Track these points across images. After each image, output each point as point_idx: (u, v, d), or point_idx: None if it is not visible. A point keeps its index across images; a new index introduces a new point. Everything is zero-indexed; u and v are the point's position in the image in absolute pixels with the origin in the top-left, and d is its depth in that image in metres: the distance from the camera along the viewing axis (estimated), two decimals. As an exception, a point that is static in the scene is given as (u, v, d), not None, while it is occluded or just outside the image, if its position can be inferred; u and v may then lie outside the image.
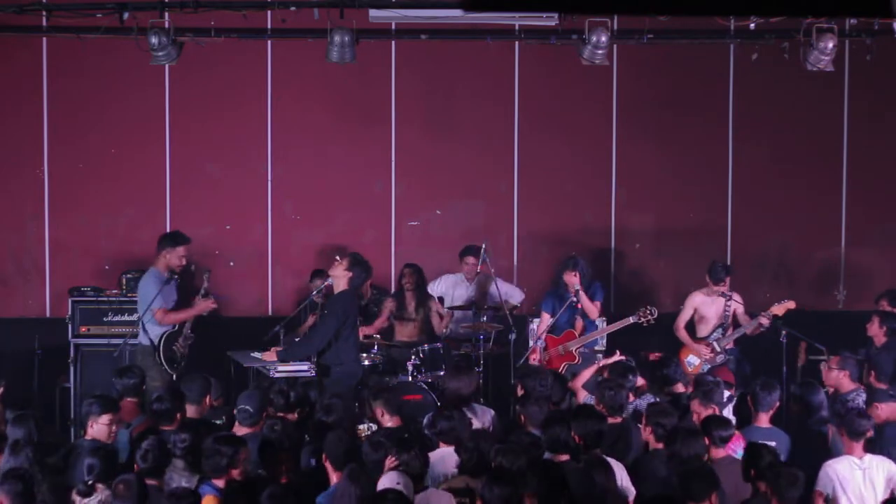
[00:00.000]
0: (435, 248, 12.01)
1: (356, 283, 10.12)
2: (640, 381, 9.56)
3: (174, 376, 10.24)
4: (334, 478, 7.34)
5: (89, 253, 12.10)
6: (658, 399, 8.95)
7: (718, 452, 7.75)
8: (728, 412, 8.95)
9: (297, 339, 10.61)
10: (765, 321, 10.70)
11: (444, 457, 7.70)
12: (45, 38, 11.68)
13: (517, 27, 11.36)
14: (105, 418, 7.93)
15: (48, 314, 12.07)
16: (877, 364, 9.46)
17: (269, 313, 12.21)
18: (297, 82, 12.25)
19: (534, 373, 9.25)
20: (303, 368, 9.95)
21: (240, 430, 8.14)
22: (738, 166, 12.74)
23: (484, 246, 11.38)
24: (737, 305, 11.00)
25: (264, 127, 12.29)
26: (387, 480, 7.09)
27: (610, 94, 12.56)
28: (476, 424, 8.50)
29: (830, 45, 10.17)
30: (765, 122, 12.73)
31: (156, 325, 10.31)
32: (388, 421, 8.40)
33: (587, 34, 10.22)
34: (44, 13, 10.30)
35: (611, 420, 8.46)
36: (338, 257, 10.21)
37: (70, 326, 11.11)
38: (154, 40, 10.04)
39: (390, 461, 7.23)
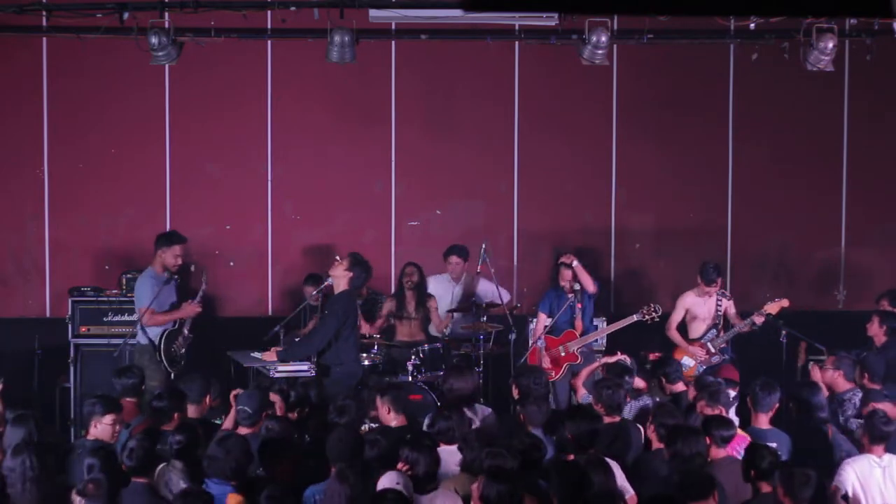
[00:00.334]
0: (435, 248, 12.00)
1: (356, 283, 10.13)
2: (641, 384, 9.56)
3: (173, 375, 10.24)
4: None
5: (89, 253, 12.10)
6: (656, 400, 8.95)
7: (719, 452, 7.75)
8: (731, 412, 8.94)
9: (297, 339, 10.61)
10: (758, 319, 10.70)
11: (445, 456, 7.70)
12: (45, 38, 11.68)
13: (517, 27, 11.36)
14: (109, 418, 7.95)
15: (48, 314, 12.07)
16: (868, 366, 9.43)
17: (269, 313, 12.21)
18: (297, 82, 12.25)
19: (528, 372, 9.26)
20: (303, 368, 9.95)
21: (240, 430, 8.13)
22: (738, 166, 12.75)
23: (484, 246, 11.38)
24: (728, 304, 11.00)
25: (264, 127, 12.29)
26: (387, 480, 7.08)
27: (610, 94, 12.56)
28: (477, 425, 8.50)
29: (830, 45, 10.17)
30: (765, 122, 12.73)
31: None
32: (394, 420, 8.40)
33: (587, 34, 10.22)
34: (44, 13, 10.30)
35: (608, 419, 8.47)
36: (338, 257, 10.21)
37: (70, 326, 11.11)
38: (154, 40, 10.04)
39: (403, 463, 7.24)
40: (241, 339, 10.98)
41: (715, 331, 10.97)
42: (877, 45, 10.51)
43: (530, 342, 11.27)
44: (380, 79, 12.31)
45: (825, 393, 9.10)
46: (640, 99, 12.60)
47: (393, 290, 11.76)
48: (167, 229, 11.43)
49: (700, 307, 11.06)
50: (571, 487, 6.76)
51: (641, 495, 7.52)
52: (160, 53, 10.16)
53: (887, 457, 7.77)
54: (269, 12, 10.81)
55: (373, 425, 8.63)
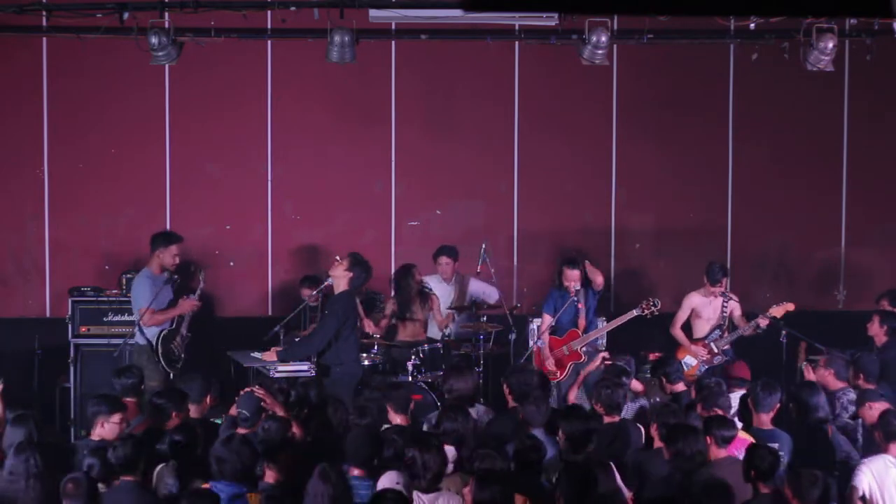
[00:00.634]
0: (435, 248, 11.99)
1: (356, 283, 10.13)
2: (639, 387, 9.55)
3: (172, 375, 10.24)
4: (353, 472, 7.34)
5: (89, 253, 12.09)
6: (655, 400, 8.95)
7: (720, 452, 7.74)
8: (732, 413, 8.93)
9: (297, 339, 10.61)
10: (763, 322, 10.69)
11: (451, 457, 7.68)
12: (45, 38, 11.68)
13: (517, 27, 11.36)
14: (117, 417, 7.98)
15: (48, 314, 12.07)
16: (863, 366, 9.42)
17: (269, 313, 12.21)
18: (297, 82, 12.25)
19: (518, 371, 9.27)
20: (303, 368, 9.95)
21: (238, 431, 8.13)
22: (738, 166, 12.75)
23: (484, 246, 11.38)
24: (734, 306, 11.00)
25: (264, 127, 12.29)
26: (387, 480, 7.09)
27: (610, 94, 12.56)
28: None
29: (830, 45, 10.17)
30: (765, 122, 12.73)
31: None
32: (397, 419, 8.40)
33: (587, 34, 10.22)
34: (44, 13, 10.30)
35: (608, 419, 8.48)
36: (338, 257, 10.21)
37: (70, 326, 11.10)
38: (154, 40, 10.04)
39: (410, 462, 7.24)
40: (241, 339, 10.98)
41: (719, 331, 10.96)
42: (877, 45, 10.51)
43: (531, 342, 11.28)
44: (380, 79, 12.32)
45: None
46: (640, 99, 12.60)
47: (392, 290, 11.74)
48: (171, 230, 11.40)
49: (705, 307, 11.05)
50: (578, 487, 6.76)
51: (642, 495, 7.52)
52: (160, 53, 10.16)
53: None
54: (269, 12, 10.81)
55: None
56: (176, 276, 10.57)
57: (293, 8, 10.04)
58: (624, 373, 9.23)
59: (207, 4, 9.93)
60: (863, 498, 7.62)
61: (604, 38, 10.20)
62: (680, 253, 12.60)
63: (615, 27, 10.79)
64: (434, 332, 11.52)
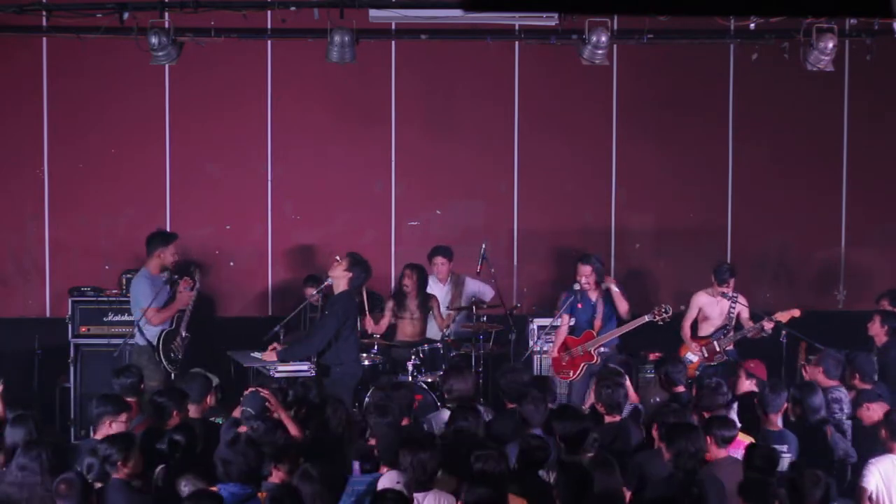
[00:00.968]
0: (435, 248, 11.98)
1: (356, 283, 10.13)
2: (634, 398, 9.53)
3: (173, 375, 10.23)
4: (383, 471, 7.35)
5: (89, 253, 12.09)
6: (651, 402, 8.95)
7: (720, 452, 7.74)
8: (732, 413, 8.91)
9: (297, 339, 10.61)
10: (768, 326, 10.67)
11: None
12: (45, 38, 11.68)
13: (517, 27, 11.35)
14: (123, 417, 8.01)
15: (48, 314, 12.07)
16: (859, 366, 9.41)
17: (269, 313, 12.21)
18: (297, 82, 12.25)
19: (509, 372, 9.28)
20: (303, 368, 9.95)
21: (241, 430, 8.13)
22: (738, 166, 12.75)
23: (484, 246, 11.38)
24: (741, 308, 10.98)
25: (264, 127, 12.29)
26: (387, 480, 7.09)
27: (610, 94, 12.56)
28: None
29: (830, 45, 10.17)
30: (765, 122, 12.73)
31: (150, 325, 10.28)
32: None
33: (587, 34, 10.22)
34: (44, 13, 10.29)
35: (609, 419, 8.48)
36: (337, 257, 10.21)
37: (70, 326, 11.09)
38: (154, 40, 10.04)
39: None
40: (241, 339, 10.98)
41: (724, 332, 10.94)
42: (877, 45, 10.51)
43: (531, 342, 11.31)
44: (380, 79, 12.31)
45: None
46: (640, 99, 12.60)
47: (393, 290, 11.75)
48: (166, 229, 11.40)
49: (712, 307, 11.04)
50: (575, 488, 6.75)
51: (642, 495, 7.51)
52: (160, 53, 10.16)
53: None
54: (269, 12, 10.81)
55: None
56: (176, 276, 10.56)
57: (293, 8, 10.04)
58: (620, 374, 9.24)
59: (207, 4, 9.93)
60: (870, 497, 7.62)
61: (604, 38, 10.20)
62: (680, 253, 12.60)
63: (615, 27, 10.79)
64: (434, 332, 11.52)
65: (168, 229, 11.17)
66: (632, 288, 12.58)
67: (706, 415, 8.34)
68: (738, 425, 8.33)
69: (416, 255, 11.83)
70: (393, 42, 12.11)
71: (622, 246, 12.74)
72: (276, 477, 7.25)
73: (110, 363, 10.22)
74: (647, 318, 10.65)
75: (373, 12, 10.47)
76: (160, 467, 7.49)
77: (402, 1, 10.34)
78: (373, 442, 7.83)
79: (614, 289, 10.88)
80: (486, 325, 11.13)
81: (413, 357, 10.73)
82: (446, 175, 12.53)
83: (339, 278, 10.06)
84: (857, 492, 7.68)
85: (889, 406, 8.56)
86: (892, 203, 12.77)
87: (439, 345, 11.06)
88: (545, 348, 11.36)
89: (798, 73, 10.68)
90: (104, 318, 11.10)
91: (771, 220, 12.77)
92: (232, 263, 12.31)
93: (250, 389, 8.53)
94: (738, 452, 7.88)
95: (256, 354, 10.37)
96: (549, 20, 10.68)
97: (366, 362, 10.53)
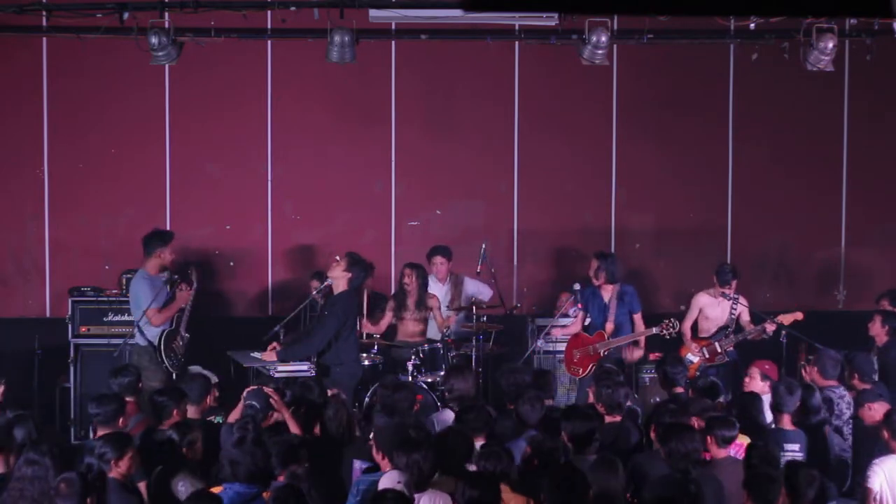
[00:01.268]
0: (435, 248, 11.98)
1: (355, 283, 10.14)
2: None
3: (174, 375, 10.23)
4: (387, 467, 7.35)
5: (89, 253, 12.09)
6: (651, 401, 8.95)
7: (720, 452, 7.74)
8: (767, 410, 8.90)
9: (297, 339, 10.60)
10: (770, 328, 10.67)
11: None
12: (45, 38, 11.68)
13: (517, 27, 11.36)
14: (118, 423, 7.99)
15: (48, 314, 12.07)
16: (858, 365, 9.40)
17: (269, 313, 12.21)
18: (297, 82, 12.25)
19: (509, 372, 9.29)
20: (303, 368, 9.94)
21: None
22: (738, 166, 12.75)
23: (484, 246, 11.38)
24: (742, 309, 10.98)
25: (264, 127, 12.29)
26: (387, 480, 7.08)
27: (610, 94, 12.56)
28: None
29: (830, 45, 10.17)
30: (765, 122, 12.74)
31: (150, 325, 10.27)
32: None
33: (587, 34, 10.22)
34: (44, 13, 10.30)
35: (609, 419, 8.47)
36: (337, 257, 10.21)
37: (70, 326, 11.09)
38: (154, 40, 10.04)
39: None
40: (241, 339, 10.97)
41: (726, 332, 10.93)
42: (877, 45, 10.51)
43: (531, 342, 11.31)
44: (380, 79, 12.32)
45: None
46: (640, 99, 12.60)
47: (393, 290, 11.75)
48: (163, 229, 11.37)
49: (713, 308, 11.04)
50: (562, 490, 6.73)
51: (642, 495, 7.51)
52: (160, 53, 10.16)
53: None
54: (269, 12, 10.81)
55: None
56: (176, 276, 10.55)
57: (293, 8, 10.04)
58: (618, 374, 9.25)
59: (207, 4, 9.93)
60: (874, 498, 7.62)
61: (604, 38, 10.21)
62: (680, 253, 12.61)
63: (615, 27, 10.79)
64: (434, 332, 11.51)
65: (168, 229, 11.14)
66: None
67: (699, 419, 8.30)
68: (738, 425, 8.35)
69: (416, 255, 11.82)
70: (393, 42, 12.11)
71: (622, 246, 12.73)
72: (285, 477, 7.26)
73: (110, 363, 10.20)
74: (654, 331, 10.67)
75: (373, 12, 10.47)
76: (158, 468, 7.48)
77: (402, 1, 10.34)
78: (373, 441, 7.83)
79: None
80: (486, 325, 11.13)
81: (413, 357, 10.73)
82: (446, 175, 12.53)
83: (339, 278, 10.07)
84: (862, 492, 7.68)
85: (890, 406, 8.57)
86: (892, 203, 12.78)
87: (439, 345, 11.06)
88: (546, 348, 11.35)
89: (798, 73, 10.68)
90: (104, 318, 11.10)
91: (771, 220, 12.77)
92: (232, 263, 12.32)
93: (254, 388, 8.52)
94: (735, 452, 7.90)
95: (256, 354, 10.37)
96: (549, 20, 10.69)
97: (366, 362, 10.53)
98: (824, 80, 11.43)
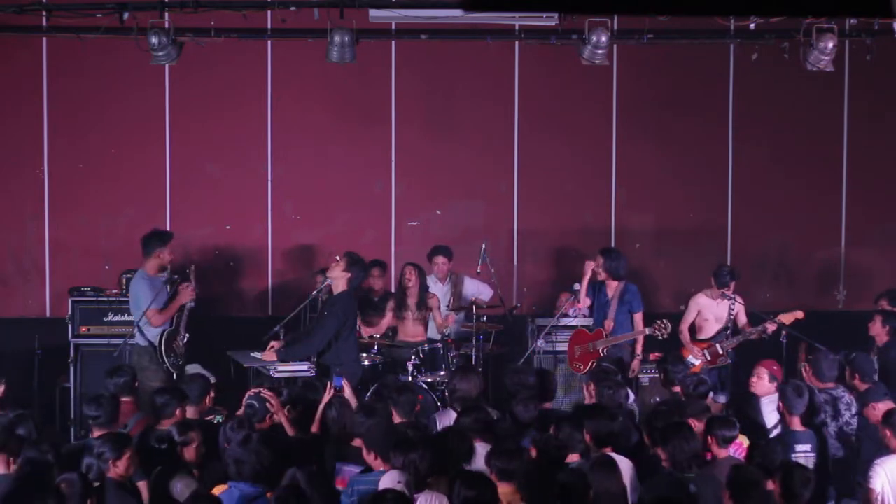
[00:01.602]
0: (435, 248, 11.98)
1: (355, 283, 10.14)
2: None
3: (174, 375, 10.22)
4: (381, 467, 7.35)
5: (89, 253, 12.09)
6: (651, 401, 8.95)
7: (721, 452, 7.74)
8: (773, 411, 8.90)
9: (297, 339, 10.60)
10: (770, 328, 10.66)
11: (480, 451, 7.67)
12: (45, 38, 11.69)
13: (517, 27, 11.36)
14: (115, 426, 7.99)
15: (48, 314, 12.07)
16: (858, 366, 9.39)
17: (269, 313, 12.21)
18: (297, 82, 12.26)
19: (513, 372, 9.29)
20: (303, 368, 9.94)
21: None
22: (738, 166, 12.75)
23: (484, 246, 11.38)
24: (740, 309, 10.98)
25: (264, 127, 12.29)
26: (388, 480, 7.08)
27: (610, 94, 12.56)
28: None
29: (830, 45, 10.17)
30: (765, 122, 12.74)
31: (150, 326, 10.26)
32: (397, 419, 8.39)
33: (587, 34, 10.23)
34: (44, 13, 10.30)
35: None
36: (337, 257, 10.21)
37: (70, 326, 11.08)
38: (154, 40, 10.04)
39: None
40: (241, 339, 10.96)
41: (726, 334, 10.93)
42: (877, 45, 10.51)
43: (531, 343, 11.31)
44: (380, 79, 12.32)
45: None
46: (640, 99, 12.60)
47: (393, 289, 11.74)
48: (162, 229, 11.35)
49: (711, 309, 11.03)
50: (577, 488, 6.73)
51: (642, 495, 7.50)
52: (160, 53, 10.16)
53: None
54: (269, 12, 10.82)
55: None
56: (176, 276, 10.54)
57: (293, 8, 10.05)
58: (617, 374, 9.24)
59: (207, 4, 9.93)
60: (876, 498, 7.63)
61: (604, 38, 10.21)
62: (680, 253, 12.61)
63: (615, 27, 10.79)
64: (434, 332, 11.51)
65: (168, 229, 11.14)
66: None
67: (694, 421, 8.28)
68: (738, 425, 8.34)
69: (416, 255, 11.82)
70: (393, 42, 12.11)
71: (622, 246, 12.68)
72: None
73: (110, 363, 10.16)
74: (647, 332, 10.69)
75: (373, 12, 10.47)
76: (157, 469, 7.48)
77: (402, 1, 10.34)
78: (357, 443, 7.81)
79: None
80: (486, 325, 11.13)
81: (413, 357, 10.73)
82: (446, 175, 12.53)
83: (338, 278, 10.07)
84: (864, 493, 7.67)
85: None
86: (892, 203, 12.78)
87: (439, 345, 11.06)
88: (546, 348, 11.34)
89: (798, 73, 10.68)
90: (104, 318, 11.09)
91: (771, 220, 12.77)
92: (232, 263, 12.32)
93: (254, 391, 8.52)
94: (735, 452, 7.90)
95: (256, 354, 10.36)
96: (549, 20, 10.69)
97: (366, 362, 10.53)
98: (824, 80, 11.43)
